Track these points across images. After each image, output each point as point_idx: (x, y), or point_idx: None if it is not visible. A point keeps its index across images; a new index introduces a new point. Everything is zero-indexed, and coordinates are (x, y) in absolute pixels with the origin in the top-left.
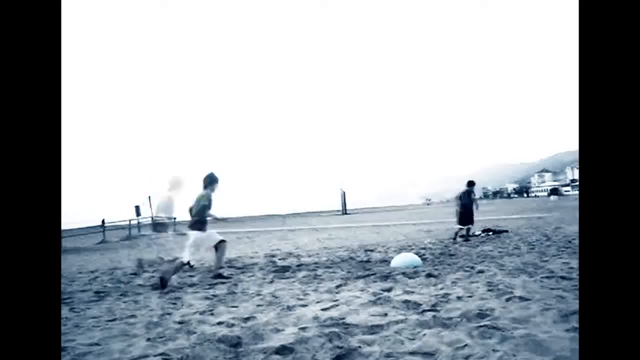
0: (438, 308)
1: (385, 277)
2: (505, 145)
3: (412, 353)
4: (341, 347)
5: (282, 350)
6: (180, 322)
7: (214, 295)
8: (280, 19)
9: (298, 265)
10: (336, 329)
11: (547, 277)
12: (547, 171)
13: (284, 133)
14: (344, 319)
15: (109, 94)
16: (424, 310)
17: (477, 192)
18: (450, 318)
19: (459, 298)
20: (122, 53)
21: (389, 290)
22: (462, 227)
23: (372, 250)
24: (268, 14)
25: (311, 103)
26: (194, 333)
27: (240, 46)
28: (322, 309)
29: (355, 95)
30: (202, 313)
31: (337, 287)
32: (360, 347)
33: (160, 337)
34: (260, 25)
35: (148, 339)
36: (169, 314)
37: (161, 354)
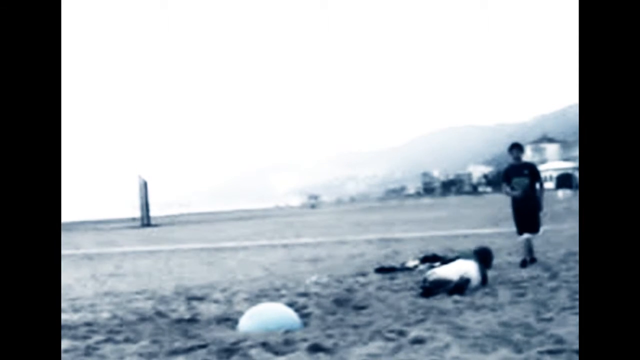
0: None
1: (227, 355)
2: (466, 99)
3: None
4: None
5: None
6: None
7: None
8: (279, 18)
9: None
10: None
11: (550, 354)
12: (550, 140)
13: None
14: None
15: (108, 93)
16: None
17: (413, 180)
18: None
19: None
20: (121, 52)
21: None
22: (530, 234)
23: (200, 299)
24: (267, 13)
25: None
26: None
27: (239, 46)
28: None
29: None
30: None
31: None
32: None
33: None
34: (259, 25)
35: None
36: None
37: None
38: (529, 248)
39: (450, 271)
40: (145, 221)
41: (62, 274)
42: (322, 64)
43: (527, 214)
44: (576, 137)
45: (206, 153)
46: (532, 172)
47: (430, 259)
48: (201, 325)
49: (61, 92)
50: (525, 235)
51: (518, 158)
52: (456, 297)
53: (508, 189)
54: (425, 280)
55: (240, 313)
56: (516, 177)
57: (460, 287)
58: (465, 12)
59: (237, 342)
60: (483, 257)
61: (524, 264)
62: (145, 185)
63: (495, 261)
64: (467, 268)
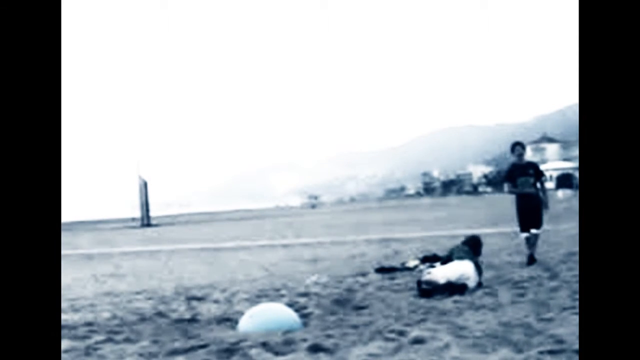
0: None
1: (227, 355)
2: (466, 99)
3: None
4: None
5: None
6: None
7: None
8: (279, 18)
9: None
10: None
11: (551, 354)
12: (550, 139)
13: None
14: None
15: (108, 93)
16: None
17: (413, 180)
18: None
19: None
20: (121, 52)
21: None
22: (529, 233)
23: (200, 299)
24: (267, 13)
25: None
26: None
27: (239, 46)
28: None
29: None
30: None
31: None
32: None
33: None
34: (259, 25)
35: None
36: None
37: None
38: (532, 245)
39: (447, 273)
40: (145, 221)
41: (62, 274)
42: (322, 64)
43: (532, 213)
44: (576, 137)
45: (206, 153)
46: (536, 171)
47: (430, 259)
48: (201, 325)
49: (61, 92)
50: (532, 232)
51: (521, 156)
52: (456, 297)
53: (512, 188)
54: (421, 282)
55: (240, 313)
56: (521, 176)
57: (459, 289)
58: (465, 12)
59: (237, 342)
60: (473, 245)
61: (531, 261)
62: (145, 185)
63: (495, 261)
64: (465, 269)
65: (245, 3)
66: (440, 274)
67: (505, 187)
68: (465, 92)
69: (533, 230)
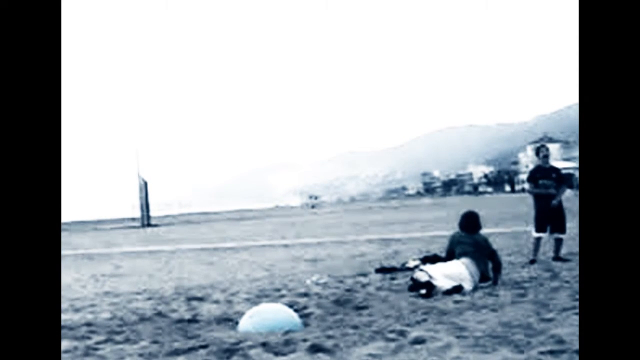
0: None
1: (228, 355)
2: (466, 99)
3: None
4: None
5: None
6: None
7: None
8: (280, 17)
9: None
10: None
11: (552, 354)
12: (551, 139)
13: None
14: None
15: (108, 93)
16: None
17: (413, 180)
18: None
19: None
20: (122, 52)
21: None
22: (541, 235)
23: (201, 299)
24: (268, 13)
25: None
26: None
27: (240, 46)
28: None
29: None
30: None
31: None
32: None
33: None
34: (260, 25)
35: None
36: None
37: None
38: (537, 247)
39: (442, 273)
40: (145, 221)
41: (62, 274)
42: (322, 64)
43: (549, 215)
44: (576, 137)
45: (206, 153)
46: (558, 176)
47: (431, 259)
48: (201, 325)
49: (61, 92)
50: (556, 236)
51: (546, 158)
52: (457, 297)
53: (534, 189)
54: (420, 282)
55: (241, 313)
56: (542, 179)
57: (456, 290)
58: (466, 12)
59: (237, 342)
60: (469, 226)
61: (561, 258)
62: (145, 185)
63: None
64: (460, 270)
65: (247, 3)
66: (432, 273)
67: (527, 187)
68: (465, 92)
69: (557, 235)
